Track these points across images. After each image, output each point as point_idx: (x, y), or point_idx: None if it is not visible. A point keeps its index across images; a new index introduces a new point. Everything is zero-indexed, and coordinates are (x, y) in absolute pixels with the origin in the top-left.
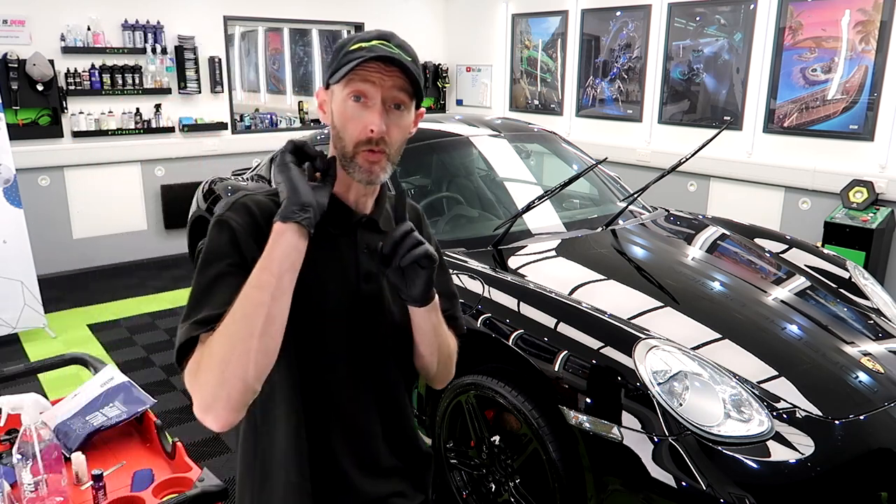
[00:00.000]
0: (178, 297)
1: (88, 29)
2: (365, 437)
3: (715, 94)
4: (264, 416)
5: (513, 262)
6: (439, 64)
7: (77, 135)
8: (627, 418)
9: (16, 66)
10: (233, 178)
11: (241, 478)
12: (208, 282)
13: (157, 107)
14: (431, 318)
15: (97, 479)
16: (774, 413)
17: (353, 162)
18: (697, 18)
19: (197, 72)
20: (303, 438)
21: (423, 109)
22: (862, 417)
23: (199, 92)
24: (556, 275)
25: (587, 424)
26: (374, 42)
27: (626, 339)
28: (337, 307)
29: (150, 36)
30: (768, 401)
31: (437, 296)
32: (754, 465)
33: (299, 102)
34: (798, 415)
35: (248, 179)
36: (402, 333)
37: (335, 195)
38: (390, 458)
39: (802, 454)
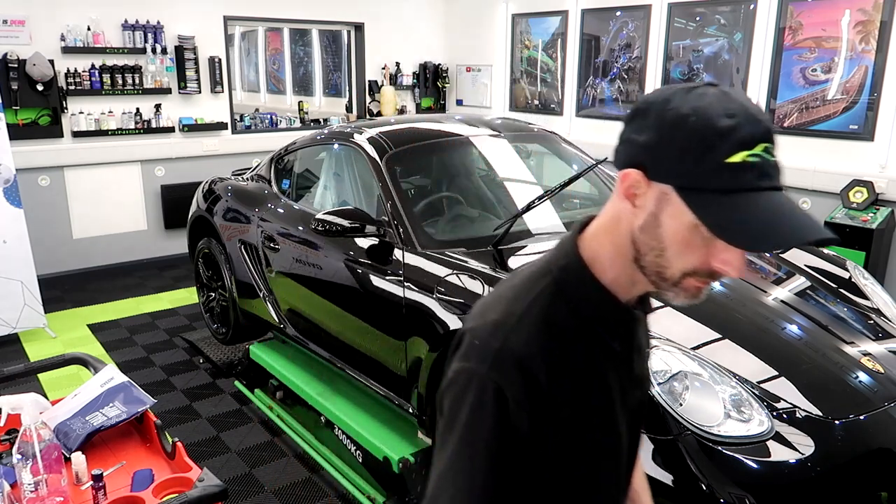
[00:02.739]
0: (178, 297)
1: (88, 29)
2: None
3: None
4: None
5: (513, 262)
6: (439, 64)
7: (77, 135)
8: None
9: (16, 66)
10: (233, 178)
11: None
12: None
13: (157, 107)
14: None
15: (97, 479)
16: (774, 413)
17: (676, 287)
18: (697, 18)
19: (197, 72)
20: None
21: None
22: (862, 417)
23: (199, 92)
24: None
25: None
26: (769, 157)
27: None
28: (616, 436)
29: (150, 36)
30: (768, 401)
31: None
32: (754, 465)
33: (299, 102)
34: (798, 415)
35: (248, 179)
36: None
37: (615, 298)
38: None
39: (802, 454)
